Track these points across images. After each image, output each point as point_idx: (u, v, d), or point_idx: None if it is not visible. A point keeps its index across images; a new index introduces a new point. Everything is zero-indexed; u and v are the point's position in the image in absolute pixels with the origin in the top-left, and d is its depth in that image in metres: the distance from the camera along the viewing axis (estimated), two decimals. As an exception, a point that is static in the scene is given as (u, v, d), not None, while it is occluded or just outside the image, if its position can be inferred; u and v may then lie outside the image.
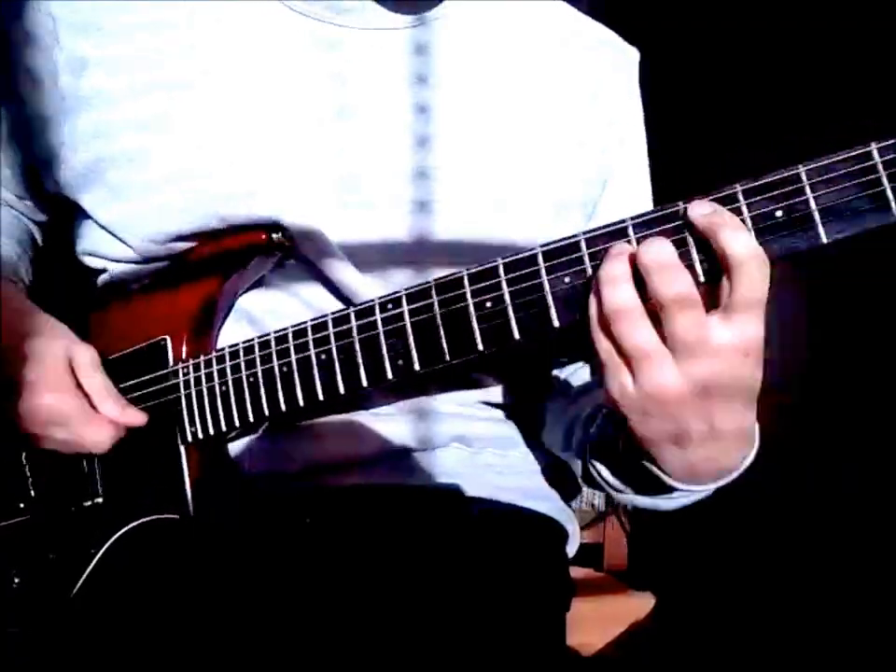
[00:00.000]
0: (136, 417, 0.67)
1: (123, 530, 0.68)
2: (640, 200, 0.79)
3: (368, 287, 0.67)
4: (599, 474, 0.66)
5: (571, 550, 0.81)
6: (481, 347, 0.56)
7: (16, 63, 0.70)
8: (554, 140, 0.73)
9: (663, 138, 0.86)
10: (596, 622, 1.03)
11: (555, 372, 0.79)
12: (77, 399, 0.65)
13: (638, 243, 0.50)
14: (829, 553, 1.52)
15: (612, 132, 0.76)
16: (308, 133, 0.68)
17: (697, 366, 0.48)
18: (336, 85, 0.69)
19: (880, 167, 0.45)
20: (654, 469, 0.55)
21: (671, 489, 0.56)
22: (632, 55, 0.79)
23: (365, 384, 0.60)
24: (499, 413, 0.78)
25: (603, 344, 0.50)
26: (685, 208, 0.50)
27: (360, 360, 0.60)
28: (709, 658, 1.38)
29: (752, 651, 1.40)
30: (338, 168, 0.68)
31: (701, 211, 0.48)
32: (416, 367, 0.58)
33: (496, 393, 0.77)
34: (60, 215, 0.78)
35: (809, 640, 1.38)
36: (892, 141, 0.45)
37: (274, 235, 0.67)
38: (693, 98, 1.81)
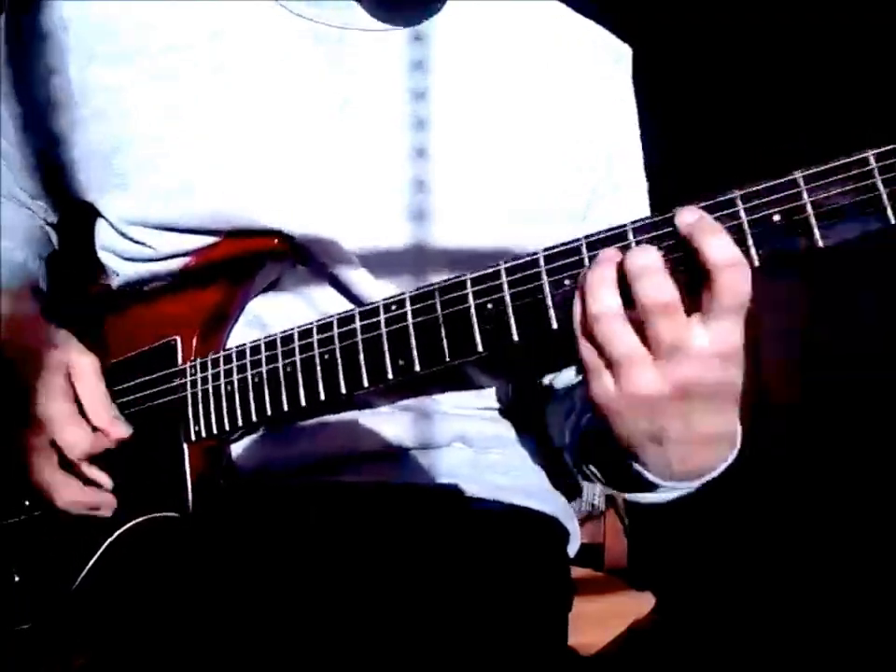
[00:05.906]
0: (121, 431, 0.67)
1: (123, 528, 0.68)
2: (637, 202, 0.79)
3: (379, 291, 0.66)
4: (591, 471, 0.68)
5: (572, 549, 0.81)
6: (480, 349, 0.56)
7: (31, 61, 0.71)
8: (551, 148, 0.72)
9: (660, 141, 0.86)
10: (597, 621, 1.03)
11: (553, 375, 0.79)
12: (65, 403, 0.66)
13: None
14: (829, 552, 1.52)
15: (609, 138, 0.76)
16: (308, 133, 0.68)
17: (677, 370, 0.49)
18: (335, 88, 0.69)
19: (876, 172, 0.45)
20: (637, 466, 0.56)
21: (654, 485, 0.58)
22: (626, 53, 0.79)
23: (366, 383, 0.60)
24: (500, 414, 0.78)
25: (586, 348, 0.51)
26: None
27: (362, 360, 0.60)
28: (710, 658, 1.39)
29: (753, 650, 1.40)
30: (339, 174, 0.68)
31: (686, 220, 0.49)
32: (417, 367, 0.58)
33: (497, 396, 0.77)
34: (74, 216, 0.79)
35: (810, 639, 1.38)
36: (889, 147, 0.45)
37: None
38: (691, 101, 1.81)
